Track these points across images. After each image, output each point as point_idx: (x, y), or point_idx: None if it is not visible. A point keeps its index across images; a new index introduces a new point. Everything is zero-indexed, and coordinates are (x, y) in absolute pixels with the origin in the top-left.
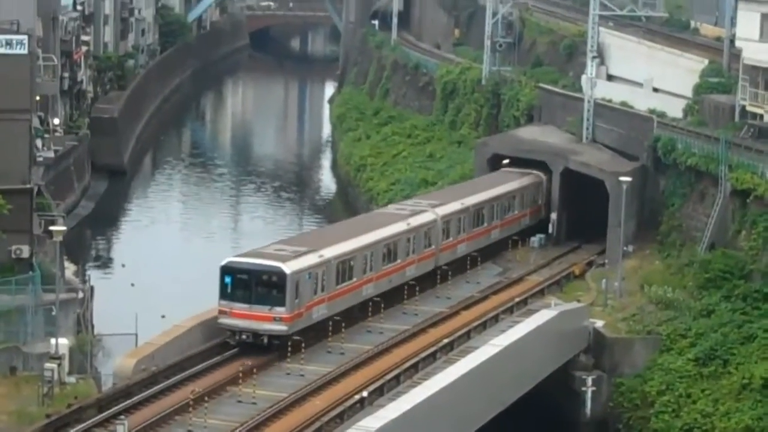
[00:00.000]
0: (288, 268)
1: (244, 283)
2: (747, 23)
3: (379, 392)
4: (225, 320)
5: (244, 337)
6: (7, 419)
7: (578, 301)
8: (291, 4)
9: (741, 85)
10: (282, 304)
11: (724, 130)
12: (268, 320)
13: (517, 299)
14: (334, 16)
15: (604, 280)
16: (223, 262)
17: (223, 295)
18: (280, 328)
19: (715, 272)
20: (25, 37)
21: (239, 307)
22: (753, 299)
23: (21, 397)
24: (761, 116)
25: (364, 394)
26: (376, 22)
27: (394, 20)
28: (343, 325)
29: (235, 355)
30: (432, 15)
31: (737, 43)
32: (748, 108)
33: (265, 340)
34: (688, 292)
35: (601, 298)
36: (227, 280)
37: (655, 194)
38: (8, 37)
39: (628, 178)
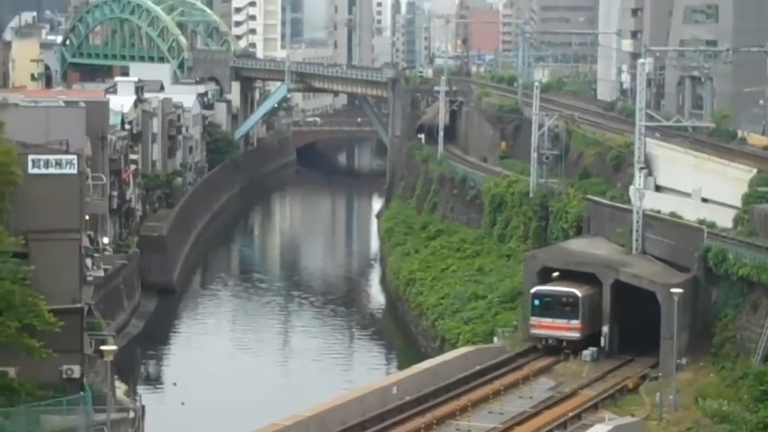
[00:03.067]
0: (580, 292)
1: (549, 304)
2: None
3: None
4: (535, 331)
5: (550, 342)
6: None
7: (632, 415)
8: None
9: None
10: (577, 318)
11: None
12: (566, 330)
13: (570, 414)
14: (379, 130)
15: (658, 394)
16: (533, 290)
17: (533, 312)
18: (575, 335)
19: None
20: (75, 156)
21: (545, 321)
22: None
23: None
24: None
25: None
26: (422, 136)
27: (440, 134)
28: None
29: None
30: (478, 128)
31: None
32: None
33: (564, 344)
34: (744, 404)
35: (656, 412)
36: (536, 302)
37: (707, 305)
38: (58, 157)
39: (680, 290)
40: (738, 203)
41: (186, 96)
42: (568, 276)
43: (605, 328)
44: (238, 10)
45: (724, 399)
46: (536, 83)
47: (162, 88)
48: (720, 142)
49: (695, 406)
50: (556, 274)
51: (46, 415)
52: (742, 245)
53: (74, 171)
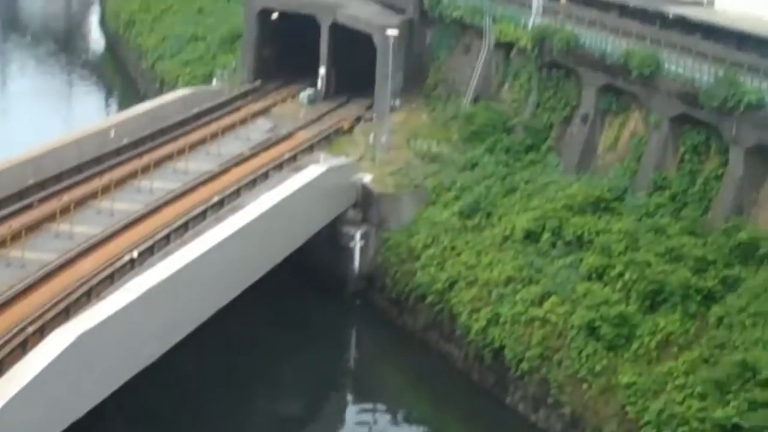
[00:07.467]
0: None
1: None
2: None
3: (149, 253)
4: None
5: None
6: None
7: (346, 156)
8: None
9: None
10: None
11: None
12: None
13: (286, 155)
14: None
15: (371, 135)
16: None
17: None
18: None
19: (479, 125)
20: None
21: None
22: (515, 151)
23: None
24: None
25: (134, 255)
26: None
27: None
28: (113, 186)
29: (2, 217)
30: None
31: None
32: None
33: None
34: (454, 145)
35: (369, 153)
36: None
37: (422, 48)
38: None
39: (395, 32)
40: None
41: None
42: (285, 16)
43: (322, 70)
44: None
45: (435, 139)
46: None
47: None
48: None
49: (407, 147)
50: (275, 15)
51: None
52: None
53: None
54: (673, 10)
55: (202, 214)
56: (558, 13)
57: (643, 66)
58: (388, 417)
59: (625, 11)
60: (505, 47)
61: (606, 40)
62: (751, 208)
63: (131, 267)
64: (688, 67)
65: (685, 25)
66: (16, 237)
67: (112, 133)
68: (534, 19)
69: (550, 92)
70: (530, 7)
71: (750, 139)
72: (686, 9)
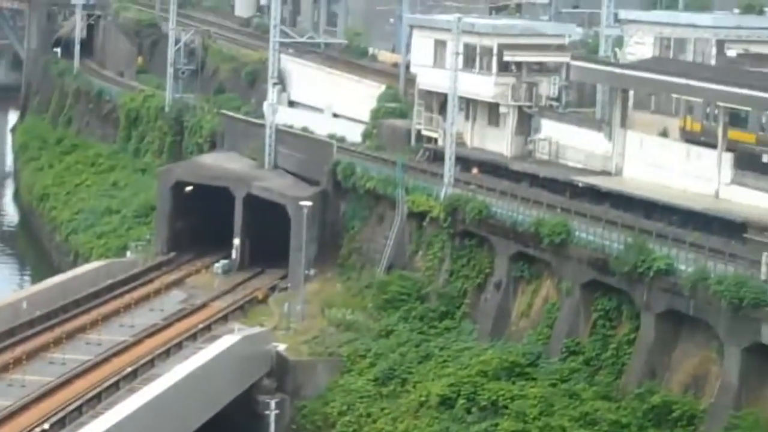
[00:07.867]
0: None
1: None
2: (421, 50)
3: (61, 425)
4: None
5: None
6: None
7: (261, 325)
8: None
9: (416, 110)
10: None
11: (401, 153)
12: None
13: (200, 325)
14: (15, 43)
15: (286, 304)
16: None
17: None
18: None
19: (393, 294)
20: None
21: None
22: (429, 319)
23: None
24: (435, 140)
25: (45, 427)
26: (58, 50)
27: (77, 48)
28: (25, 358)
29: None
30: (115, 43)
31: (412, 69)
32: (424, 132)
33: None
34: (368, 313)
35: (284, 322)
36: None
37: (335, 218)
38: None
39: (309, 203)
40: (368, 118)
41: None
42: (200, 189)
43: (236, 241)
44: None
45: (349, 308)
46: None
47: None
48: (352, 58)
49: (321, 316)
50: (189, 188)
51: None
52: (369, 159)
53: None
54: (583, 180)
55: (115, 385)
56: (469, 184)
57: (554, 234)
58: None
59: (536, 181)
60: (418, 217)
61: (517, 210)
62: (663, 372)
63: None
64: (598, 235)
65: (594, 194)
66: None
67: (25, 305)
68: (446, 189)
69: (464, 260)
70: (442, 177)
71: (660, 305)
72: (596, 178)
